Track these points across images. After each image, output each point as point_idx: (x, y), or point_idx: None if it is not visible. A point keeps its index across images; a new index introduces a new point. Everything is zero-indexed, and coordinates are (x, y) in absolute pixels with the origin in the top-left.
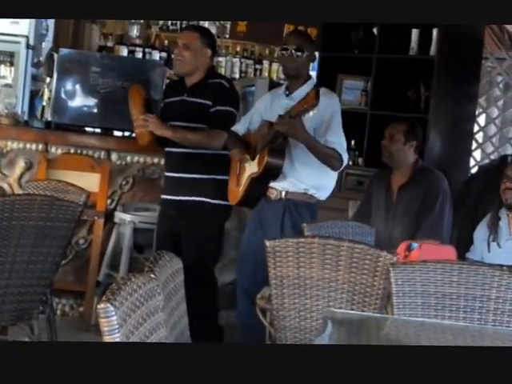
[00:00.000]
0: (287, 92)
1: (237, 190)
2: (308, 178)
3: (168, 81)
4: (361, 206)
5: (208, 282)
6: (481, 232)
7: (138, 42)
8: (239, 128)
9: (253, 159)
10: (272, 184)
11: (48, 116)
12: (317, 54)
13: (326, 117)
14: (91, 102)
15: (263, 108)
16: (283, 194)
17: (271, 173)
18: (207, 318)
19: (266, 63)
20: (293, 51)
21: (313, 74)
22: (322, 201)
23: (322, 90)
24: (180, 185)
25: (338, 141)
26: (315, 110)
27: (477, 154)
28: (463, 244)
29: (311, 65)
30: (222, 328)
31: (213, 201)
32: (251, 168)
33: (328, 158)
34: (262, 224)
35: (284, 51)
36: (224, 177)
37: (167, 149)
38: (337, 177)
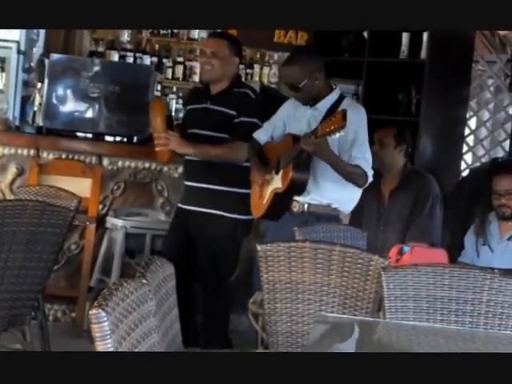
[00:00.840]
0: (311, 102)
1: (260, 203)
2: (331, 194)
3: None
4: (351, 213)
5: (222, 296)
6: (471, 236)
7: (128, 46)
8: (261, 137)
9: (277, 173)
10: (296, 197)
11: (39, 121)
12: None
13: (351, 132)
14: (82, 107)
15: (286, 115)
16: (305, 206)
17: (296, 189)
18: (217, 329)
19: (257, 67)
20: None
21: None
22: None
23: (346, 103)
24: (200, 196)
25: (363, 156)
26: (342, 132)
27: (468, 157)
28: (455, 247)
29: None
30: (232, 341)
31: (232, 215)
32: (275, 182)
33: (352, 176)
34: (283, 236)
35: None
36: (245, 190)
37: (187, 157)
38: (361, 189)
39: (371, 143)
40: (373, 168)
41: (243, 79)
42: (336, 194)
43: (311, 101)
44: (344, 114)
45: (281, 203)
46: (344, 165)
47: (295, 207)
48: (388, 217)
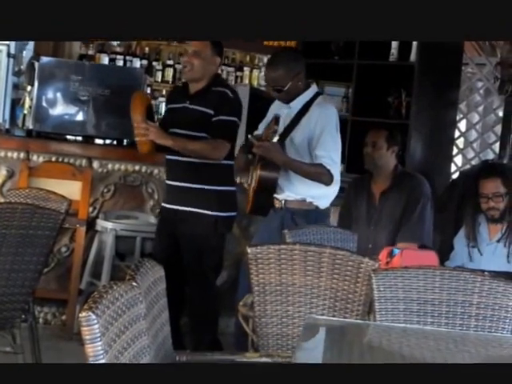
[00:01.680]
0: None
1: (248, 199)
2: (305, 190)
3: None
4: (340, 214)
5: (208, 295)
6: (460, 239)
7: (118, 50)
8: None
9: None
10: (276, 194)
11: (29, 124)
12: None
13: (318, 130)
14: (72, 110)
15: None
16: (283, 203)
17: (266, 186)
18: (206, 330)
19: (246, 70)
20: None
21: None
22: (323, 209)
23: (318, 101)
24: (180, 194)
25: (327, 154)
26: (277, 136)
27: (458, 160)
28: (446, 249)
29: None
30: (220, 342)
31: (213, 213)
32: (253, 181)
33: (314, 175)
34: (266, 234)
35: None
36: (225, 188)
37: (168, 156)
38: (339, 184)
39: (363, 145)
40: (364, 168)
41: (233, 82)
42: (310, 190)
43: (292, 100)
44: (277, 119)
45: (260, 200)
46: (302, 166)
47: (276, 204)
48: (379, 217)
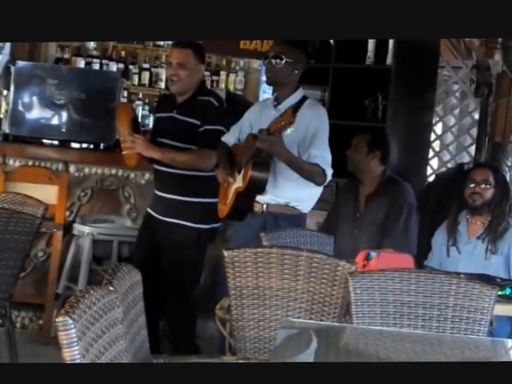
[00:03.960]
0: (275, 102)
1: (225, 203)
2: (289, 193)
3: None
4: (327, 216)
5: (186, 304)
6: (439, 237)
7: (95, 53)
8: (229, 139)
9: (239, 172)
10: (257, 197)
11: (5, 128)
12: None
13: (311, 130)
14: (49, 114)
15: (252, 117)
16: (265, 206)
17: (256, 187)
18: (184, 337)
19: (223, 74)
20: (272, 59)
21: None
22: (304, 213)
23: (308, 102)
24: (166, 206)
25: (321, 155)
26: (292, 127)
27: (434, 163)
28: (422, 252)
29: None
30: (199, 347)
31: (196, 225)
32: (237, 182)
33: (310, 174)
34: (245, 238)
35: (265, 59)
36: (211, 200)
37: (156, 167)
38: (322, 188)
39: (348, 148)
40: (341, 173)
41: (209, 86)
42: (294, 193)
43: (276, 86)
44: (294, 110)
45: (243, 203)
46: (301, 163)
47: (256, 207)
48: (363, 221)
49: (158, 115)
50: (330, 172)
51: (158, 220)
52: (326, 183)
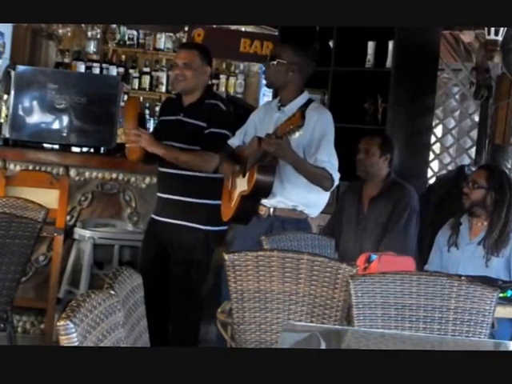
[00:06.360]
0: (279, 104)
1: (229, 206)
2: (297, 196)
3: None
4: (331, 218)
5: (193, 308)
6: (441, 238)
7: (95, 57)
8: (234, 141)
9: (243, 176)
10: (262, 201)
11: (6, 133)
12: None
13: (317, 135)
14: (49, 118)
15: (257, 119)
16: (271, 210)
17: (261, 191)
18: (187, 340)
19: (222, 78)
20: (268, 61)
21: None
22: (311, 218)
23: (313, 106)
24: (172, 207)
25: (328, 160)
26: (301, 131)
27: (434, 165)
28: (423, 254)
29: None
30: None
31: (204, 227)
32: (242, 185)
33: (318, 178)
34: (250, 241)
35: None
36: (216, 202)
37: (160, 169)
38: (329, 194)
39: (356, 151)
40: (356, 175)
41: None
42: (302, 197)
43: (275, 88)
44: (302, 113)
45: (247, 206)
46: (308, 166)
47: (262, 211)
48: (366, 223)
49: (162, 118)
50: (337, 177)
51: (163, 223)
52: (333, 188)
